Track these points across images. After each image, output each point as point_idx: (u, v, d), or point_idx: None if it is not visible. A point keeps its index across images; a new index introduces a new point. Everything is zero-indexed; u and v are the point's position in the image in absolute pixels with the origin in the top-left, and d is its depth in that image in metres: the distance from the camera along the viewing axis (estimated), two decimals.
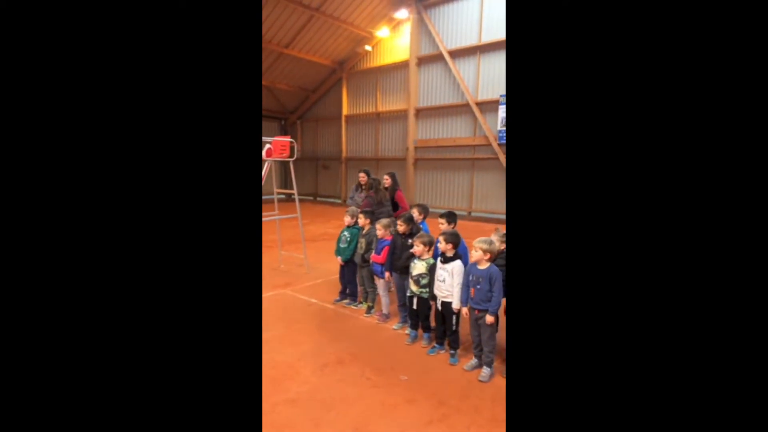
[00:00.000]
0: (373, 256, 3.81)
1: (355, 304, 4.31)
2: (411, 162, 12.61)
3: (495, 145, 10.77)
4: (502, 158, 10.64)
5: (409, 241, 3.48)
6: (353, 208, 4.37)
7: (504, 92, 10.56)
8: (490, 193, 11.19)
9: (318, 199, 15.95)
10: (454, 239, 3.08)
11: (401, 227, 3.58)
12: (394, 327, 3.75)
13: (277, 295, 4.67)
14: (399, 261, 3.55)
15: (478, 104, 11.07)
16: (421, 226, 3.87)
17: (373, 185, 4.68)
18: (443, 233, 3.13)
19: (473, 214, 11.40)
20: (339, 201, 15.12)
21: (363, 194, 5.10)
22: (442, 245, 3.08)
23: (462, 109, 11.55)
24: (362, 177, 5.22)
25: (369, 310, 4.09)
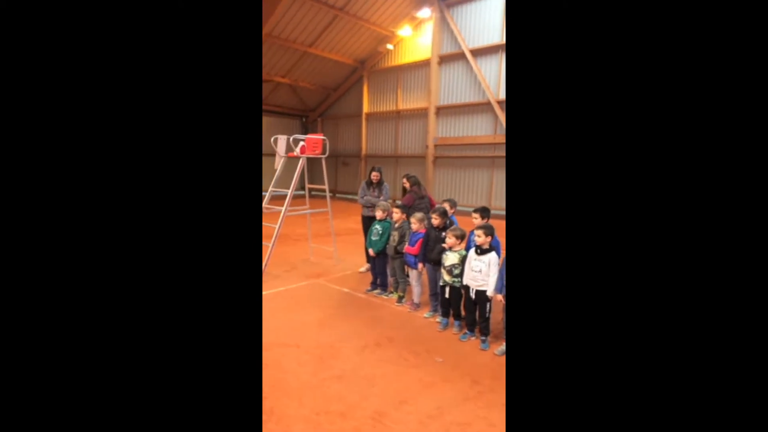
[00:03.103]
0: (407, 248, 4.03)
1: (386, 293, 4.53)
2: (431, 159, 12.77)
3: None
4: None
5: (443, 234, 3.69)
6: (384, 203, 4.59)
7: None
8: None
9: (337, 195, 16.23)
10: (491, 231, 3.29)
11: (436, 221, 3.79)
12: (425, 315, 3.96)
13: (311, 285, 4.93)
14: (432, 253, 3.76)
15: (499, 103, 11.17)
16: (452, 219, 4.08)
17: (416, 181, 4.91)
18: (481, 227, 3.34)
19: (493, 211, 11.48)
20: (358, 197, 15.35)
21: (375, 192, 5.26)
22: (481, 239, 3.29)
23: (483, 107, 11.66)
24: (375, 175, 5.30)
25: (399, 299, 4.31)
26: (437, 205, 4.12)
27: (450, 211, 4.09)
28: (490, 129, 11.62)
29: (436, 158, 12.82)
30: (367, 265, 5.46)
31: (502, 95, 11.14)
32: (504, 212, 11.28)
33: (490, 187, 11.70)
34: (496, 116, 11.31)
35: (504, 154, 11.21)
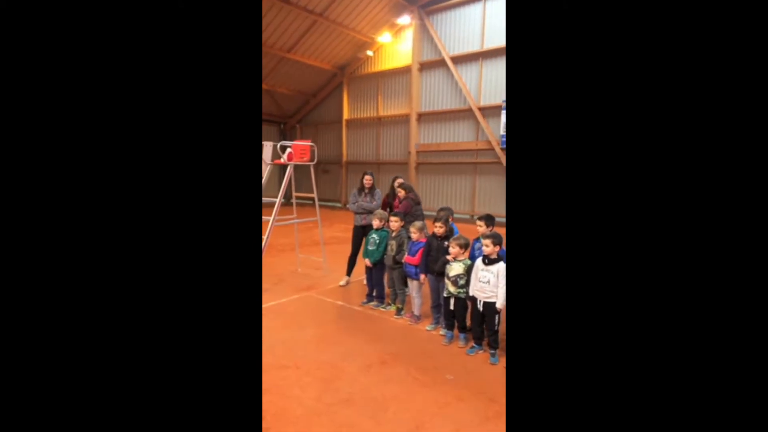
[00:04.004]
0: (407, 258, 3.86)
1: (384, 306, 4.35)
2: (413, 166, 12.72)
3: (498, 149, 10.93)
4: (505, 162, 10.81)
5: (445, 243, 3.55)
6: (381, 211, 4.42)
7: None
8: (493, 196, 11.35)
9: (318, 202, 15.95)
10: (500, 240, 3.17)
11: (440, 229, 3.64)
12: (427, 328, 3.80)
13: (303, 298, 4.69)
14: (436, 264, 3.60)
15: (480, 109, 11.24)
16: (452, 227, 3.95)
17: (410, 188, 4.76)
18: (489, 236, 3.21)
19: (476, 217, 11.52)
20: (339, 205, 15.15)
21: (368, 198, 5.06)
22: (489, 248, 3.16)
23: (464, 114, 11.71)
24: (368, 180, 5.06)
25: (398, 311, 4.14)
26: (440, 213, 3.98)
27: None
28: (471, 135, 11.67)
29: (418, 165, 12.77)
30: (346, 278, 5.18)
31: (483, 102, 11.24)
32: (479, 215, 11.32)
33: (473, 193, 11.73)
34: (477, 122, 11.38)
35: (486, 160, 11.30)
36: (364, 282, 4.70)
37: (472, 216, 11.62)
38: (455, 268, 3.41)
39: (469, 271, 3.35)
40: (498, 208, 11.20)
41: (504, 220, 11.09)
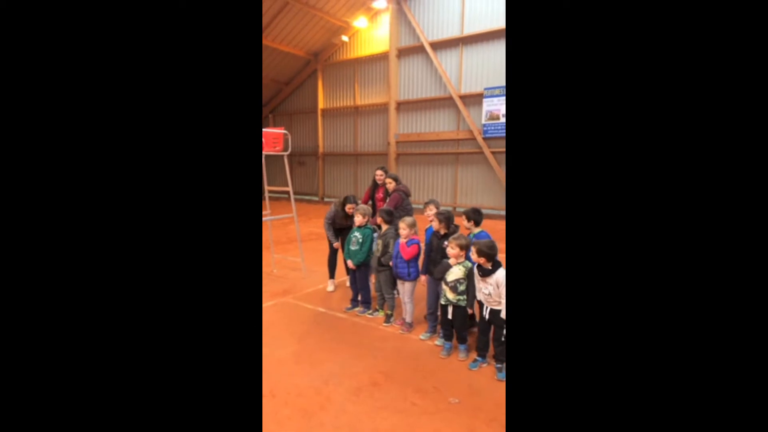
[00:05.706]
0: (403, 246, 3.35)
1: (370, 312, 3.89)
2: (393, 157, 12.25)
3: (479, 139, 10.59)
4: (487, 152, 10.48)
5: (444, 243, 3.11)
6: (364, 206, 3.94)
7: (487, 85, 10.39)
8: (475, 187, 11.03)
9: (293, 196, 15.29)
10: (488, 252, 2.70)
11: (436, 224, 3.19)
12: (421, 337, 3.37)
13: (279, 305, 4.18)
14: (437, 269, 3.12)
15: (461, 97, 10.85)
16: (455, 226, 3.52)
17: (397, 178, 4.28)
18: (475, 244, 2.76)
19: (458, 209, 11.20)
20: (316, 198, 14.56)
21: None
22: (474, 256, 2.71)
23: (445, 102, 11.30)
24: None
25: (388, 318, 3.69)
26: (442, 208, 3.53)
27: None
28: (453, 124, 11.28)
29: (398, 155, 12.31)
30: (331, 281, 4.65)
31: (464, 89, 10.85)
32: (464, 209, 11.00)
33: (455, 184, 11.38)
34: (458, 111, 10.99)
35: (468, 150, 10.95)
36: (347, 284, 4.23)
37: (455, 208, 11.28)
38: (454, 272, 2.97)
39: (469, 275, 2.92)
40: (481, 200, 10.90)
41: (487, 211, 10.73)
